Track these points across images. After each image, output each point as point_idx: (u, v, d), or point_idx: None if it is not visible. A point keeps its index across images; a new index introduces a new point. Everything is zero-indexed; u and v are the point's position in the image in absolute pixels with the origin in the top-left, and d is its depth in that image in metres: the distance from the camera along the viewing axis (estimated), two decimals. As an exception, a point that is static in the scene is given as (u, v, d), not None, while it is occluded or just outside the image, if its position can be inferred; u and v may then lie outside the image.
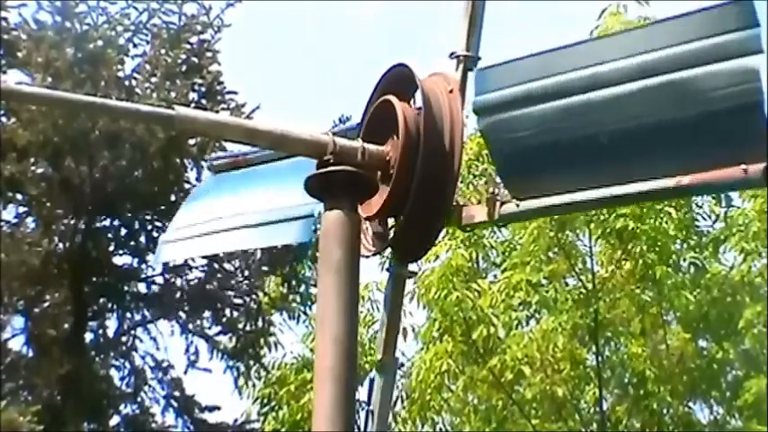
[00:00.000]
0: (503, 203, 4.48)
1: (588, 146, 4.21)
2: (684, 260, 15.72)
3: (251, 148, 5.18)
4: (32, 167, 13.12)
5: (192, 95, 13.49)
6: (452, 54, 4.77)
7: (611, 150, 4.16)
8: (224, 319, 13.89)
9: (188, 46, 13.71)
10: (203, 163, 13.53)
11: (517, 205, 4.44)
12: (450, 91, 4.61)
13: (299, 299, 14.43)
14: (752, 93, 3.79)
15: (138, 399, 13.73)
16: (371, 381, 4.90)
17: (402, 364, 15.86)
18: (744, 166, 3.83)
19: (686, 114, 3.93)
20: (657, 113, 4.02)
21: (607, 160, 4.18)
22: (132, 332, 13.86)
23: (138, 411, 13.71)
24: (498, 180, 4.60)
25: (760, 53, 3.78)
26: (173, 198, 13.47)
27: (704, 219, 16.16)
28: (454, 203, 4.64)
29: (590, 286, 15.15)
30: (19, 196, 13.28)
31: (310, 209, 4.74)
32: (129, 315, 13.79)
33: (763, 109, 3.85)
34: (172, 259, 5.93)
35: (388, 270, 4.99)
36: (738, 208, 15.83)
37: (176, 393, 13.79)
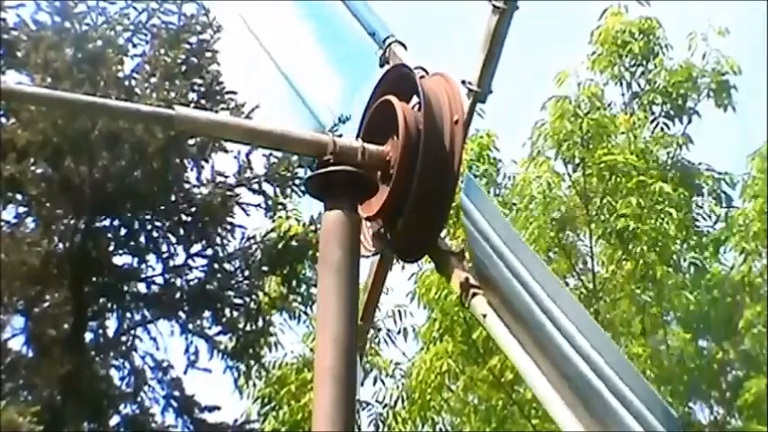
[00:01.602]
0: (474, 295, 4.45)
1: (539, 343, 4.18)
2: (685, 260, 15.74)
3: None
4: (32, 168, 13.10)
5: (192, 95, 13.47)
6: (464, 82, 4.73)
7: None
8: (224, 319, 13.87)
9: (187, 46, 13.69)
10: (203, 162, 13.52)
11: (484, 316, 4.40)
12: (456, 122, 4.60)
13: (299, 299, 14.42)
14: None
15: (138, 399, 13.71)
16: None
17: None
18: None
19: None
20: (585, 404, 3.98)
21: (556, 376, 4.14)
22: (132, 332, 13.84)
23: (138, 411, 13.69)
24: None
25: None
26: (173, 198, 13.47)
27: (704, 219, 16.19)
28: (447, 249, 4.64)
29: (591, 286, 15.16)
30: (19, 196, 13.26)
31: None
32: (129, 315, 13.76)
33: None
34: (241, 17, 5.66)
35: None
36: (739, 208, 15.86)
37: (176, 393, 13.77)
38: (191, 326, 13.86)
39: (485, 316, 4.39)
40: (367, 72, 4.87)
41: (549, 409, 4.07)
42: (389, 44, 4.92)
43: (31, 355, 13.26)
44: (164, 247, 13.62)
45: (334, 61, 5.04)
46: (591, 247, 15.44)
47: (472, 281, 4.43)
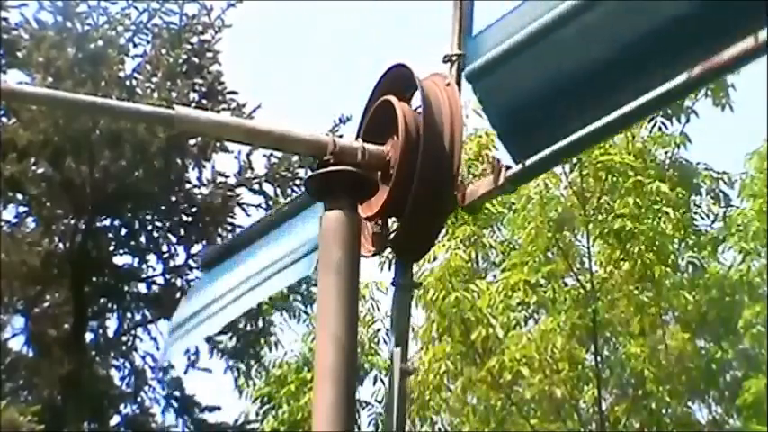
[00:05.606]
0: (507, 168, 4.26)
1: (582, 75, 3.91)
2: (683, 260, 15.75)
3: (236, 235, 5.20)
4: (33, 167, 13.14)
5: (193, 95, 13.52)
6: (445, 57, 4.70)
7: (610, 70, 3.83)
8: (224, 319, 13.91)
9: (189, 46, 13.73)
10: (204, 162, 13.55)
11: (523, 164, 4.19)
12: (448, 84, 4.59)
13: (299, 298, 14.45)
14: None
15: (139, 399, 13.76)
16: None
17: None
18: (752, 38, 3.40)
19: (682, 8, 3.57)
20: (652, 15, 3.65)
21: (606, 82, 3.85)
22: (132, 332, 13.88)
23: (138, 411, 13.73)
24: (501, 147, 4.38)
25: None
26: (173, 198, 13.50)
27: (703, 218, 16.21)
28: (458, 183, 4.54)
29: (588, 286, 15.16)
30: (19, 196, 13.30)
31: (309, 245, 4.65)
32: (129, 315, 13.81)
33: None
34: (180, 355, 5.86)
35: (393, 284, 4.84)
36: (737, 208, 15.88)
37: (176, 393, 13.81)
38: (191, 326, 13.90)
39: (524, 164, 4.16)
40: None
41: None
42: None
43: (31, 355, 13.30)
44: (164, 248, 13.67)
45: None
46: (588, 248, 15.44)
47: (499, 161, 4.31)
